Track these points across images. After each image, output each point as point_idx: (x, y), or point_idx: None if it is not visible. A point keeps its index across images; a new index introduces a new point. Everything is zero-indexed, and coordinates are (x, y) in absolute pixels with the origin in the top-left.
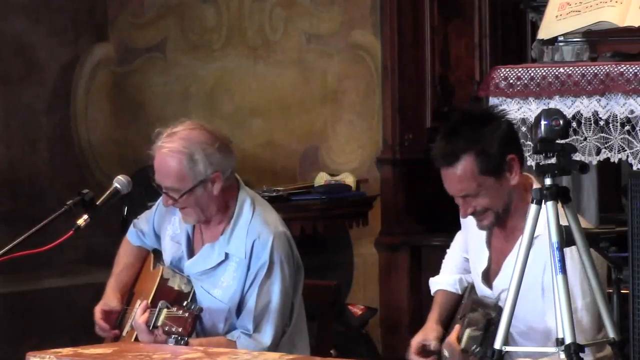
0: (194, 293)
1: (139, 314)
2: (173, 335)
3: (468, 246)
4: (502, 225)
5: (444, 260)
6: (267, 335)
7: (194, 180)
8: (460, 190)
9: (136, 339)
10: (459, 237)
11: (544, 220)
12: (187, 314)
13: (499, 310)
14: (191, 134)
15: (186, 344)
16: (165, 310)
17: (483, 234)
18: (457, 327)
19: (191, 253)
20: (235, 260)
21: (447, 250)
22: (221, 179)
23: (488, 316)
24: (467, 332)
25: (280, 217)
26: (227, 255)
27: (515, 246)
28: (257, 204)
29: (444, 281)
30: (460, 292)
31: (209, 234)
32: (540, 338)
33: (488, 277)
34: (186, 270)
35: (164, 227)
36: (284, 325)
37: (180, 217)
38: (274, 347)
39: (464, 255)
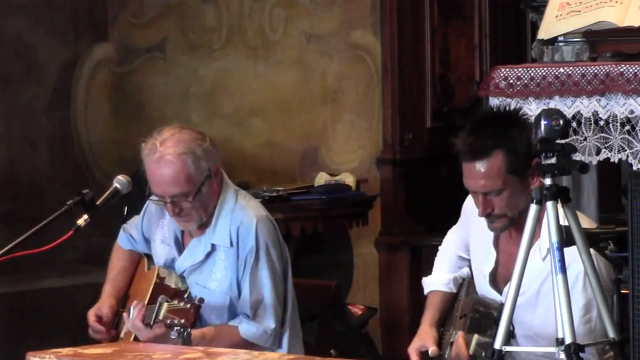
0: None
1: (134, 314)
2: (175, 328)
3: (470, 245)
4: (513, 227)
5: (436, 259)
6: (268, 319)
7: (200, 179)
8: (484, 186)
9: (135, 339)
10: (452, 234)
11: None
12: (188, 305)
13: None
14: (182, 136)
15: (189, 335)
16: (165, 304)
17: (489, 235)
18: (461, 334)
19: (181, 252)
20: (223, 249)
21: (439, 248)
22: (220, 171)
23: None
24: (476, 337)
25: (263, 206)
26: (213, 247)
27: (530, 254)
28: (239, 194)
29: (438, 281)
30: (454, 290)
31: (197, 231)
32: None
33: (495, 279)
34: (177, 268)
35: (153, 232)
36: (282, 306)
37: (168, 220)
38: (279, 327)
39: (459, 254)
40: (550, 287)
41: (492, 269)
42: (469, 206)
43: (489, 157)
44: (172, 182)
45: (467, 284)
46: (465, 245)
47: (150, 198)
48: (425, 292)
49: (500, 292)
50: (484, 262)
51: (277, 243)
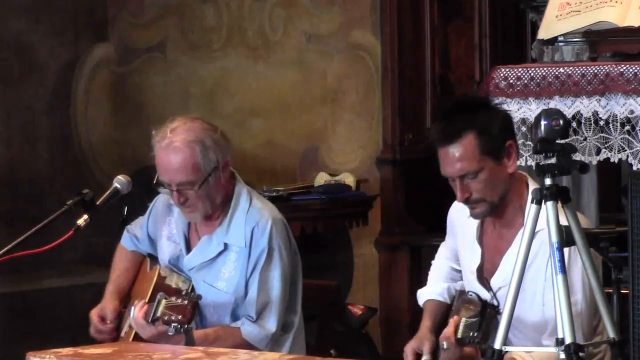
0: (192, 289)
1: (136, 310)
2: (173, 324)
3: (458, 250)
4: (496, 220)
5: (429, 272)
6: (271, 322)
7: (207, 169)
8: (460, 170)
9: (134, 338)
10: (442, 248)
11: (545, 215)
12: (186, 302)
13: (486, 303)
14: (194, 125)
15: (186, 331)
16: (164, 301)
17: (473, 232)
18: (454, 320)
19: (189, 250)
20: (235, 250)
21: (432, 262)
22: (229, 165)
23: (482, 303)
24: (463, 321)
25: (276, 208)
26: (226, 246)
27: (513, 244)
28: (253, 195)
29: (432, 291)
30: (448, 301)
31: (204, 229)
32: (532, 332)
33: (481, 275)
34: (185, 265)
35: (159, 229)
36: (285, 311)
37: (175, 217)
38: (279, 332)
39: (451, 265)
40: (533, 273)
41: (478, 265)
42: (452, 213)
43: (461, 139)
44: (179, 169)
45: (458, 294)
46: (455, 255)
47: (158, 190)
48: (420, 303)
49: (487, 286)
50: (470, 259)
51: (288, 245)
